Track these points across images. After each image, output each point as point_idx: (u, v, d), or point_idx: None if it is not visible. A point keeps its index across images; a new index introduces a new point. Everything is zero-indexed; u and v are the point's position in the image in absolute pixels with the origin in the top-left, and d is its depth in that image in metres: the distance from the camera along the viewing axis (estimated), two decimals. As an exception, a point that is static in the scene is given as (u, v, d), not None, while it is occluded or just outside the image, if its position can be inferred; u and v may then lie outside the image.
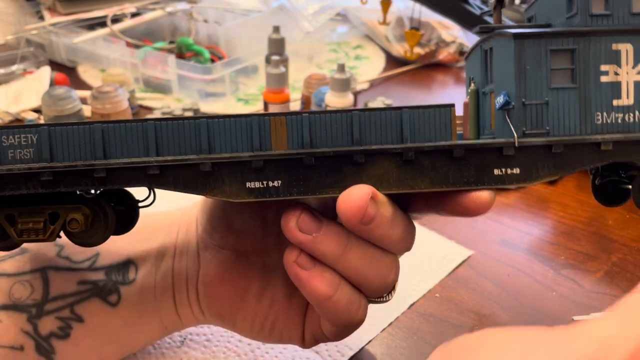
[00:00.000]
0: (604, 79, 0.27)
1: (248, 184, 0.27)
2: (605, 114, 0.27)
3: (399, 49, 0.99)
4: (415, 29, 0.97)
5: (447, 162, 0.27)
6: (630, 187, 0.30)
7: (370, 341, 0.43)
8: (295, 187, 0.27)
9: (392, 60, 1.00)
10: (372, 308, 0.46)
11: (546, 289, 0.48)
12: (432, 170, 0.27)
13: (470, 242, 0.53)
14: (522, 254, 0.52)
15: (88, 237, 0.29)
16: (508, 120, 0.27)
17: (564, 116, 0.27)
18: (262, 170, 0.27)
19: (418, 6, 0.97)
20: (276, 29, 0.84)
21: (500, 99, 0.28)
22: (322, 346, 0.42)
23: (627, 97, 0.27)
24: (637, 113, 0.27)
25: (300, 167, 0.27)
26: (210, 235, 0.35)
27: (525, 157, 0.27)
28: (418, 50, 0.96)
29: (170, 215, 0.39)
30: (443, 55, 0.98)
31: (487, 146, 0.27)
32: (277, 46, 0.83)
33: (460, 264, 0.51)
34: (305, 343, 0.36)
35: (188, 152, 0.27)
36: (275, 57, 0.79)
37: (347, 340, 0.43)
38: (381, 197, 0.28)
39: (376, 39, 1.06)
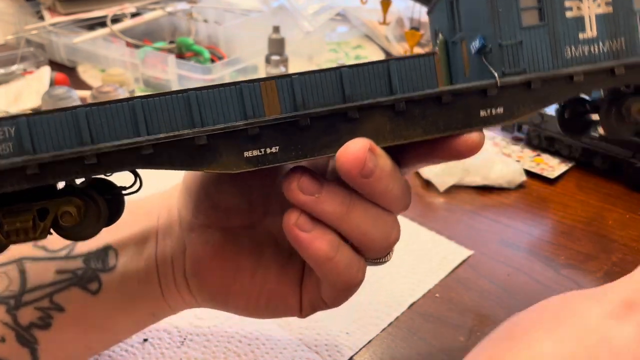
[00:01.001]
0: (569, 14, 0.28)
1: (246, 153, 0.27)
2: (573, 47, 0.29)
3: (399, 49, 0.99)
4: (415, 29, 0.97)
5: (436, 110, 0.28)
6: (593, 117, 0.32)
7: (370, 341, 0.43)
8: (292, 150, 0.27)
9: (392, 60, 1.00)
10: (372, 308, 0.46)
11: (546, 289, 0.48)
12: (423, 119, 0.28)
13: (470, 242, 0.53)
14: (522, 254, 0.52)
15: (81, 230, 0.28)
16: (486, 62, 0.28)
17: (537, 53, 0.28)
18: (259, 137, 0.27)
19: (418, 6, 0.98)
20: (276, 29, 0.84)
21: (476, 44, 0.29)
22: (322, 346, 0.42)
23: (591, 30, 0.29)
24: (600, 44, 0.29)
25: (296, 130, 0.27)
26: (195, 215, 0.35)
27: (507, 96, 0.28)
28: (418, 50, 0.96)
29: (149, 199, 0.38)
30: (443, 55, 0.98)
31: (473, 89, 0.28)
32: (277, 46, 0.83)
33: (460, 264, 0.51)
34: (302, 313, 0.36)
35: (180, 128, 0.26)
36: (275, 57, 0.79)
37: (347, 340, 0.43)
38: (379, 149, 0.28)
39: (376, 39, 1.06)
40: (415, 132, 0.28)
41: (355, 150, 0.27)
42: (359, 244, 0.31)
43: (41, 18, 0.98)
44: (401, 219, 0.56)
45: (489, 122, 0.28)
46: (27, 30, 0.96)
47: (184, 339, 0.43)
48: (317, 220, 0.29)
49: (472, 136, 0.28)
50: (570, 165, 0.65)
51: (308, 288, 0.35)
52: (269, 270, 0.35)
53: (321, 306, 0.35)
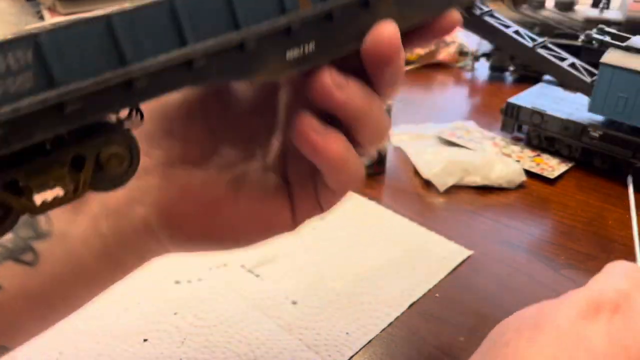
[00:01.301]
0: None
1: (288, 55, 0.25)
2: None
3: (399, 49, 0.99)
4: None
5: None
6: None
7: (370, 341, 0.43)
8: (326, 48, 0.26)
9: (392, 60, 1.00)
10: (372, 308, 0.46)
11: (546, 289, 0.48)
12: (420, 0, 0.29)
13: (470, 242, 0.53)
14: (522, 254, 0.53)
15: (118, 176, 0.22)
16: None
17: None
18: (298, 35, 0.25)
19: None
20: (276, 29, 0.83)
21: None
22: (322, 346, 0.42)
23: None
24: None
25: (327, 24, 0.26)
26: (148, 153, 0.31)
27: None
28: (418, 50, 0.96)
29: None
30: (443, 55, 0.98)
31: None
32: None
33: (460, 264, 0.51)
34: (295, 225, 0.34)
35: (224, 32, 0.22)
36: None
37: (347, 340, 0.43)
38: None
39: (376, 39, 1.06)
40: (416, 16, 0.29)
41: (389, 33, 0.27)
42: (368, 139, 0.30)
43: (41, 18, 0.99)
44: (401, 219, 0.57)
45: (462, 3, 0.31)
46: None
47: (184, 339, 0.43)
48: (327, 123, 0.29)
49: (454, 14, 0.31)
50: (570, 165, 0.65)
51: (300, 198, 0.33)
52: (252, 193, 0.32)
53: (317, 212, 0.33)
